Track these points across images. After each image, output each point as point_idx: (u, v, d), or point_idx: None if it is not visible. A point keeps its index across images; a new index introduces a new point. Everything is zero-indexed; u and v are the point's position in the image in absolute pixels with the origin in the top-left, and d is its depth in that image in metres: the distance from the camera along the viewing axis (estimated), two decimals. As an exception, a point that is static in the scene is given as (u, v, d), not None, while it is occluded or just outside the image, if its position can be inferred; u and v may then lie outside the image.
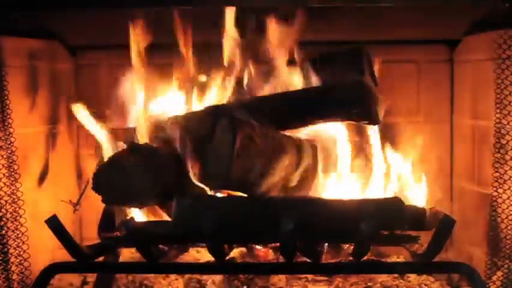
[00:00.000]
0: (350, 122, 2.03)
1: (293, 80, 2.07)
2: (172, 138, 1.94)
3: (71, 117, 2.35)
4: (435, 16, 2.09)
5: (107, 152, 1.96)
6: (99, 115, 2.08)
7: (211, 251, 1.76)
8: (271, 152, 1.84)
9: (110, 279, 2.00)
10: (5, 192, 1.86)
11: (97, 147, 2.05)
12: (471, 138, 2.17)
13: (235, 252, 2.05)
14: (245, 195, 1.87)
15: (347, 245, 2.01)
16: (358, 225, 1.66)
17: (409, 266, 1.90)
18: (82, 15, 2.04)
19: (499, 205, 1.87)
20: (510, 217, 1.85)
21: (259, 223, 1.75)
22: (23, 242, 1.90)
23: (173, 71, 2.12)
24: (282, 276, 2.01)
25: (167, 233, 1.79)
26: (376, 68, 2.12)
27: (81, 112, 1.98)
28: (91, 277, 2.06)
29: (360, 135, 2.11)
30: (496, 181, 1.86)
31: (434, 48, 2.36)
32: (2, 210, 1.85)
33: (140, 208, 1.91)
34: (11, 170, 1.88)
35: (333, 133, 2.06)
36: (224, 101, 2.06)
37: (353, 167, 2.07)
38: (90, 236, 2.23)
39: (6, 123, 1.87)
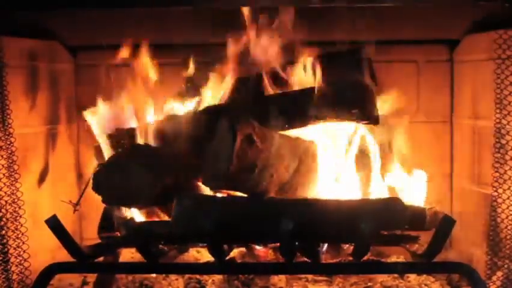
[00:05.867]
0: (349, 122, 2.03)
1: (293, 80, 2.07)
2: (172, 138, 1.94)
3: (71, 117, 2.35)
4: (435, 16, 2.09)
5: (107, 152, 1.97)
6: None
7: (211, 251, 1.76)
8: (270, 152, 1.84)
9: (110, 279, 2.00)
10: (5, 193, 1.86)
11: (97, 147, 2.05)
12: (471, 138, 2.17)
13: (235, 252, 2.06)
14: (245, 195, 1.87)
15: (347, 245, 2.01)
16: (358, 225, 1.66)
17: (409, 266, 1.90)
18: (81, 15, 2.03)
19: (499, 205, 1.87)
20: (510, 217, 1.85)
21: (259, 223, 1.75)
22: (23, 242, 1.90)
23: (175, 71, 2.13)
24: (282, 276, 2.01)
25: (167, 233, 1.79)
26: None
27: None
28: (91, 277, 2.06)
29: (359, 135, 2.11)
30: (496, 181, 1.86)
31: (434, 48, 2.36)
32: (2, 210, 1.85)
33: (140, 208, 1.91)
34: (11, 170, 1.88)
35: (332, 133, 2.06)
36: (224, 101, 2.06)
37: (353, 167, 2.07)
38: (90, 236, 2.23)
39: (6, 123, 1.87)
